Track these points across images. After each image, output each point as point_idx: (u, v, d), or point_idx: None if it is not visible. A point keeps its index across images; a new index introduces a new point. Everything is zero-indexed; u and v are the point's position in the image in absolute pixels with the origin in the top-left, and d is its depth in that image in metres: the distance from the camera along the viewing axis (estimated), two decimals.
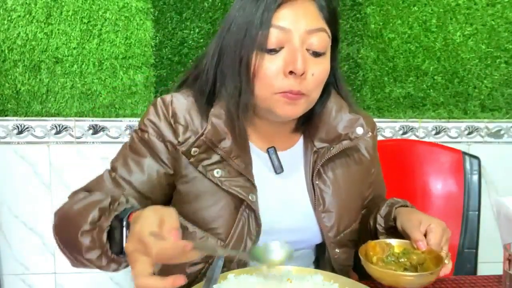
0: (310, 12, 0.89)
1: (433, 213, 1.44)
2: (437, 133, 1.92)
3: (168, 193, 0.99)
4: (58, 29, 1.70)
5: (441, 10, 1.82)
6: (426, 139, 1.91)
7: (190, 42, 1.76)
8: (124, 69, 1.75)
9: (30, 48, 1.70)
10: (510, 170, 1.93)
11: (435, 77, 1.86)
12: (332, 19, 0.93)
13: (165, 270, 0.79)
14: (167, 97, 0.97)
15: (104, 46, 1.72)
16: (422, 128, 1.92)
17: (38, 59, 1.71)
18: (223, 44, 0.92)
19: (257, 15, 0.86)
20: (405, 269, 0.86)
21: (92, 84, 1.74)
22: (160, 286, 0.64)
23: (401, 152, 1.52)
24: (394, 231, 0.97)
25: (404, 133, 1.91)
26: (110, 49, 1.73)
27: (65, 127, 1.77)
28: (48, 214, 1.81)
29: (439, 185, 1.45)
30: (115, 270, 0.80)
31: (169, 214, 0.70)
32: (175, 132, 0.94)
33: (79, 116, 1.77)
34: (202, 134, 0.92)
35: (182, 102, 0.96)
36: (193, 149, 0.92)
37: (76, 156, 1.79)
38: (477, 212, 1.39)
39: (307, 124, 1.03)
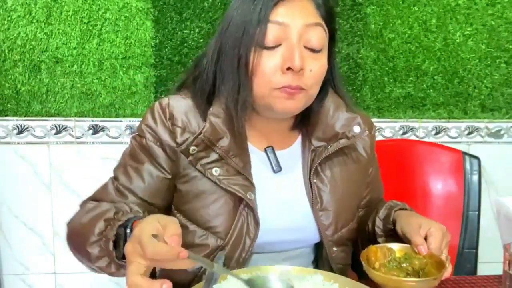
0: (307, 9, 0.90)
1: (433, 213, 1.44)
2: (437, 133, 1.92)
3: (169, 198, 1.00)
4: (58, 29, 1.70)
5: (441, 10, 1.82)
6: (426, 139, 1.91)
7: (190, 42, 1.76)
8: (124, 69, 1.75)
9: (30, 48, 1.70)
10: (510, 170, 1.93)
11: (435, 77, 1.86)
12: (329, 17, 0.94)
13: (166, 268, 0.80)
14: (164, 100, 0.98)
15: (104, 46, 1.72)
16: (422, 128, 1.92)
17: (38, 59, 1.71)
18: (222, 43, 0.93)
19: (254, 12, 0.87)
20: (407, 274, 0.86)
21: (92, 84, 1.74)
22: (145, 285, 0.66)
23: (401, 152, 1.52)
24: (392, 234, 0.97)
25: (404, 133, 1.91)
26: (110, 49, 1.73)
27: (65, 127, 1.77)
28: (48, 214, 1.81)
29: (439, 185, 1.45)
30: (125, 275, 0.81)
31: (172, 222, 0.72)
32: (173, 134, 0.95)
33: (79, 116, 1.77)
34: (201, 132, 0.92)
35: (179, 104, 0.97)
36: (192, 148, 0.92)
37: (76, 156, 1.79)
38: (477, 212, 1.39)
39: (305, 123, 1.03)
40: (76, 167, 1.80)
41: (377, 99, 1.86)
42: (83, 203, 0.98)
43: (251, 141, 1.00)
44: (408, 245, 0.89)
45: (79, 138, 1.78)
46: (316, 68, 0.91)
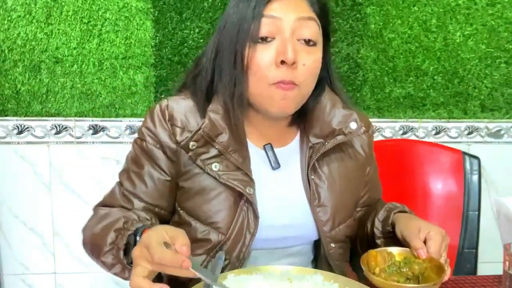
0: (299, 4, 0.93)
1: (433, 213, 1.44)
2: (437, 133, 1.92)
3: (174, 199, 1.02)
4: (58, 29, 1.70)
5: (441, 10, 1.82)
6: (426, 139, 1.91)
7: (190, 42, 1.76)
8: (124, 69, 1.75)
9: (30, 48, 1.70)
10: (510, 170, 1.93)
11: (435, 77, 1.86)
12: (322, 14, 0.96)
13: None
14: (163, 102, 1.00)
15: (104, 46, 1.72)
16: (422, 128, 1.92)
17: (38, 59, 1.71)
18: (220, 41, 0.96)
19: (249, 9, 0.91)
20: (407, 279, 0.87)
21: (92, 84, 1.74)
22: (146, 287, 0.71)
23: (401, 152, 1.52)
24: (391, 236, 0.98)
25: (404, 133, 1.91)
26: (110, 49, 1.73)
27: (65, 127, 1.77)
28: (48, 214, 1.81)
29: (439, 185, 1.45)
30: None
31: (181, 233, 0.77)
32: (172, 135, 0.97)
33: (79, 116, 1.77)
34: (200, 128, 0.94)
35: (178, 105, 0.99)
36: (191, 143, 0.94)
37: (76, 156, 1.79)
38: (477, 212, 1.39)
39: (303, 120, 1.05)
40: (76, 167, 1.80)
41: (377, 99, 1.86)
42: (95, 208, 1.03)
43: (250, 138, 1.01)
44: (407, 249, 0.90)
45: (79, 138, 1.78)
46: (309, 62, 0.93)
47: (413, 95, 1.87)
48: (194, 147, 0.94)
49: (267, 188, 0.99)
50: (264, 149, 1.02)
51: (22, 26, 1.69)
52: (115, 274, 0.90)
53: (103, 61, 1.73)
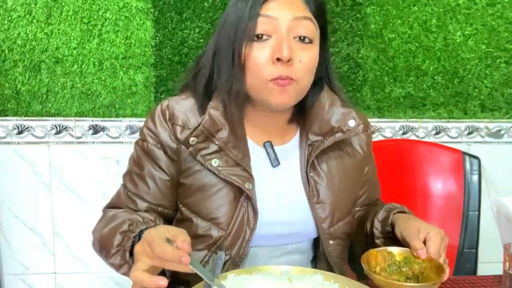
0: (296, 4, 0.95)
1: (433, 213, 1.44)
2: (437, 133, 1.92)
3: (176, 198, 1.04)
4: (58, 29, 1.70)
5: (441, 10, 1.82)
6: (426, 139, 1.91)
7: (190, 42, 1.76)
8: (124, 69, 1.75)
9: (30, 48, 1.70)
10: (510, 170, 1.93)
11: (435, 77, 1.86)
12: (319, 12, 0.97)
13: None
14: (164, 102, 1.03)
15: (104, 46, 1.72)
16: (422, 128, 1.92)
17: (38, 59, 1.71)
18: (218, 39, 0.98)
19: (246, 8, 0.93)
20: (408, 278, 0.87)
21: (92, 84, 1.74)
22: (146, 280, 0.75)
23: (401, 152, 1.52)
24: (391, 236, 0.99)
25: (404, 133, 1.91)
26: (110, 49, 1.73)
27: (65, 127, 1.77)
28: (48, 214, 1.81)
29: (439, 185, 1.45)
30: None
31: (182, 231, 0.80)
32: (173, 134, 0.99)
33: (79, 116, 1.77)
34: (200, 124, 0.96)
35: (179, 104, 1.01)
36: (192, 139, 0.96)
37: (76, 156, 1.79)
38: (477, 212, 1.39)
39: (302, 119, 1.06)
40: (76, 167, 1.80)
41: (377, 99, 1.86)
42: (104, 210, 1.06)
43: (250, 136, 1.03)
44: (407, 249, 0.91)
45: (79, 138, 1.78)
46: (306, 59, 0.94)
47: (413, 95, 1.87)
48: (194, 142, 0.96)
49: (266, 185, 1.00)
50: (264, 146, 1.03)
51: (22, 26, 1.69)
52: (124, 274, 0.94)
53: (103, 61, 1.73)
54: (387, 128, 1.90)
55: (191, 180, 0.99)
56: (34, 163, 1.79)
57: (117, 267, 0.94)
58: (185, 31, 1.75)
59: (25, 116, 1.75)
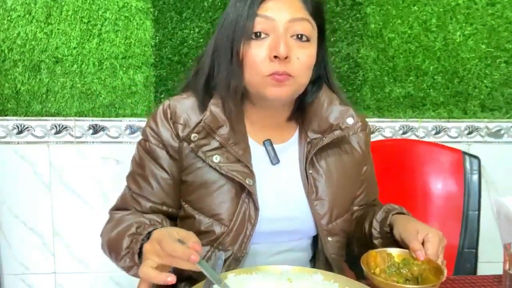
0: (293, 4, 0.96)
1: (433, 213, 1.44)
2: (437, 133, 1.92)
3: (179, 196, 1.05)
4: (58, 29, 1.70)
5: (441, 10, 1.82)
6: (426, 139, 1.91)
7: (190, 42, 1.76)
8: (124, 69, 1.75)
9: (30, 48, 1.70)
10: (510, 170, 1.93)
11: (435, 77, 1.86)
12: (316, 12, 0.99)
13: None
14: (165, 102, 1.04)
15: (104, 46, 1.72)
16: (422, 128, 1.92)
17: (38, 59, 1.71)
18: (218, 38, 1.00)
19: (245, 8, 0.95)
20: (407, 280, 0.88)
21: (92, 84, 1.74)
22: (154, 276, 0.77)
23: (401, 152, 1.52)
24: (389, 237, 1.00)
25: (404, 133, 1.91)
26: (110, 49, 1.73)
27: (65, 127, 1.77)
28: (48, 214, 1.81)
29: (439, 185, 1.45)
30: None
31: (192, 234, 0.83)
32: (174, 133, 1.01)
33: (79, 116, 1.77)
34: (201, 120, 0.98)
35: (180, 104, 1.03)
36: (193, 135, 0.98)
37: (76, 156, 1.79)
38: (477, 212, 1.39)
39: (301, 117, 1.08)
40: (76, 167, 1.80)
41: (377, 99, 1.86)
42: (110, 212, 1.08)
43: (250, 135, 1.04)
44: (406, 250, 0.91)
45: (79, 138, 1.78)
46: (304, 56, 0.96)
47: (413, 95, 1.87)
48: (195, 138, 0.98)
49: (266, 183, 1.01)
50: (264, 145, 1.05)
51: (22, 26, 1.69)
52: (133, 275, 0.97)
53: (103, 61, 1.73)
54: (387, 128, 1.90)
55: (193, 177, 1.01)
56: (34, 163, 1.79)
57: (127, 269, 0.97)
58: (185, 31, 1.75)
59: (25, 116, 1.75)
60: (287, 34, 0.94)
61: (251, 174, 0.98)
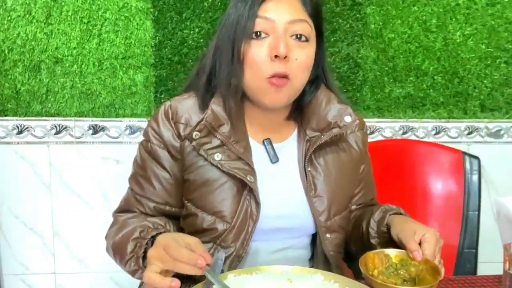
0: (293, 5, 0.98)
1: (433, 213, 1.44)
2: (437, 133, 1.92)
3: (181, 196, 1.06)
4: (58, 29, 1.70)
5: (441, 10, 1.82)
6: (426, 139, 1.91)
7: (190, 42, 1.76)
8: (124, 69, 1.75)
9: (30, 48, 1.70)
10: (510, 170, 1.93)
11: (435, 77, 1.86)
12: (315, 13, 1.01)
13: None
14: (167, 103, 1.06)
15: (104, 46, 1.72)
16: (422, 128, 1.92)
17: (38, 59, 1.71)
18: (219, 38, 1.02)
19: (245, 8, 0.97)
20: (404, 281, 0.89)
21: (92, 84, 1.74)
22: (158, 280, 0.78)
23: (401, 152, 1.52)
24: (386, 236, 1.01)
25: (404, 133, 1.91)
26: (110, 49, 1.73)
27: (65, 127, 1.77)
28: (48, 214, 1.81)
29: (439, 185, 1.45)
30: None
31: (197, 240, 0.84)
32: (176, 132, 1.03)
33: (79, 116, 1.77)
34: (203, 118, 1.00)
35: (181, 104, 1.05)
36: (195, 133, 1.00)
37: (76, 156, 1.79)
38: (477, 212, 1.39)
39: (300, 116, 1.10)
40: (76, 167, 1.80)
41: (377, 99, 1.86)
42: (114, 215, 1.10)
43: (250, 134, 1.06)
44: (403, 251, 0.92)
45: (79, 138, 1.78)
46: (302, 57, 0.98)
47: (413, 95, 1.87)
48: (197, 136, 1.00)
49: (266, 181, 1.03)
50: (263, 144, 1.06)
51: (22, 26, 1.69)
52: (139, 278, 0.99)
53: (103, 61, 1.73)
54: (387, 128, 1.90)
55: (195, 175, 1.02)
56: (34, 163, 1.79)
57: (132, 273, 0.99)
58: (185, 31, 1.75)
59: (24, 116, 1.75)
60: (287, 34, 0.97)
61: (252, 172, 1.00)
